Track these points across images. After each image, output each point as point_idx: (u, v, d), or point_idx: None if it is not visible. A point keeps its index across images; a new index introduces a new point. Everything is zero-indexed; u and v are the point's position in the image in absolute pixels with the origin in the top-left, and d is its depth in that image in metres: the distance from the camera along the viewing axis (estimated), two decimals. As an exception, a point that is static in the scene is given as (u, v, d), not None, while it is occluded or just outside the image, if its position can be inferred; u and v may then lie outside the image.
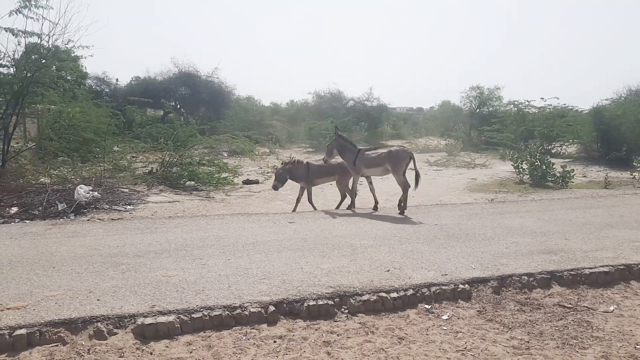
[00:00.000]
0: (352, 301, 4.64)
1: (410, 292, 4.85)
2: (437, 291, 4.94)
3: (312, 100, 37.51)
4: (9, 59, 11.92)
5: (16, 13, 11.25)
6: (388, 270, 5.34)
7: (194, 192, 11.90)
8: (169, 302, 4.38)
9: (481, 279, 5.27)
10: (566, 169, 14.12)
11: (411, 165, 9.02)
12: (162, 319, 4.11)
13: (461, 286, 5.07)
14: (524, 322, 4.52)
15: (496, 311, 4.77)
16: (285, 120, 33.74)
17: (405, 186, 8.96)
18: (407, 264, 5.61)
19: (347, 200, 9.65)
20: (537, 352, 3.96)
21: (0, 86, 11.44)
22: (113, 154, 13.66)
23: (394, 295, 4.77)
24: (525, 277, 5.37)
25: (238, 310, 4.33)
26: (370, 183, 9.60)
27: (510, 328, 4.41)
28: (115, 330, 4.01)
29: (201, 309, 4.28)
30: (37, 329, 3.90)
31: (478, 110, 32.51)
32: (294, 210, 9.25)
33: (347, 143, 9.31)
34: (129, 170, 13.04)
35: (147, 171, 13.08)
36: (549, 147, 23.54)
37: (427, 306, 4.78)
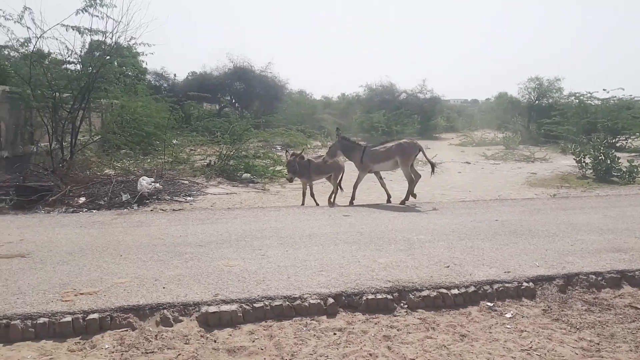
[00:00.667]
0: (411, 296, 4.59)
1: (472, 289, 4.75)
2: (500, 289, 4.81)
3: (364, 93, 37.31)
4: (76, 56, 12.51)
5: (82, 12, 11.77)
6: (448, 266, 5.25)
7: (250, 185, 12.11)
8: (231, 291, 4.48)
9: (546, 277, 5.09)
10: (633, 164, 13.39)
11: (421, 156, 9.25)
12: (225, 307, 4.21)
13: (525, 284, 4.92)
14: (592, 323, 4.34)
15: (562, 311, 4.59)
16: (336, 113, 33.71)
17: (411, 178, 9.13)
18: (468, 260, 5.49)
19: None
20: (609, 354, 3.79)
21: (69, 82, 11.99)
22: (172, 147, 14.09)
23: (455, 291, 4.68)
24: (593, 276, 5.15)
25: (298, 301, 4.38)
26: (380, 178, 9.67)
27: (578, 329, 4.24)
28: (180, 318, 4.15)
29: (262, 299, 4.35)
30: (108, 314, 4.08)
31: (537, 102, 31.29)
32: (302, 204, 9.38)
33: (351, 143, 9.54)
34: (188, 162, 13.43)
35: (205, 164, 13.43)
36: (614, 141, 22.35)
37: (489, 304, 4.66)
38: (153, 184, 9.73)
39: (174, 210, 8.60)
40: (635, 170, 13.23)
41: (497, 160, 19.55)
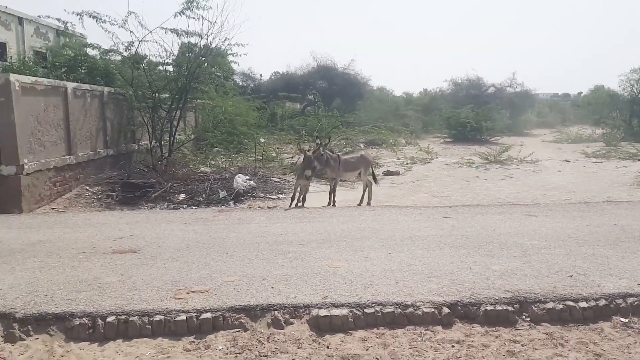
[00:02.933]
0: (534, 308, 4.22)
1: (603, 302, 4.29)
2: (635, 303, 4.32)
3: (448, 88, 36.30)
4: (173, 57, 13.01)
5: (180, 14, 12.18)
6: (571, 276, 4.80)
7: (340, 183, 12.00)
8: (340, 295, 4.34)
9: (689, 291, 4.51)
10: None
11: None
12: (335, 311, 4.08)
13: (664, 299, 4.38)
14: None
15: None
16: (419, 109, 32.96)
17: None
18: (592, 269, 5.00)
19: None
20: None
21: (167, 83, 12.50)
22: (261, 145, 14.32)
23: (583, 304, 4.25)
24: None
25: (410, 309, 4.16)
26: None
27: None
28: (291, 320, 4.07)
29: (373, 304, 4.18)
30: (220, 313, 4.08)
31: (640, 95, 28.76)
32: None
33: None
34: (277, 160, 13.58)
35: (293, 162, 13.50)
36: None
37: (623, 319, 4.19)
38: (248, 181, 9.89)
39: (269, 207, 8.66)
40: None
41: (598, 158, 18.14)
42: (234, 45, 13.06)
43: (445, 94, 36.18)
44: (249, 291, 4.45)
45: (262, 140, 15.45)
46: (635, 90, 29.34)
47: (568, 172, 14.32)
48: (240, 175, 10.10)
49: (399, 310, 4.15)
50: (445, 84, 36.53)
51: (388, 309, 4.15)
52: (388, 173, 14.08)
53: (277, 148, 16.06)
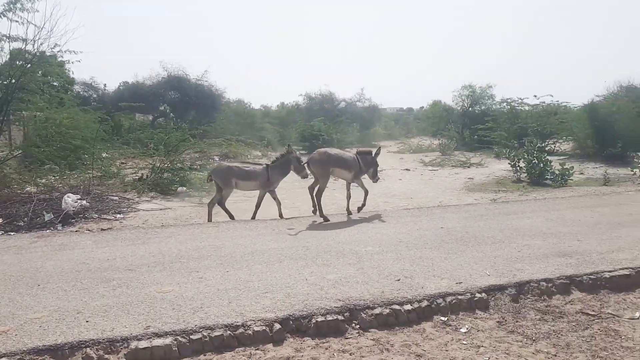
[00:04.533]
0: (363, 315, 4.30)
1: (425, 303, 4.53)
2: (453, 301, 4.63)
3: (303, 102, 37.41)
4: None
5: (0, 17, 10.80)
6: (398, 280, 5.01)
7: (187, 199, 11.50)
8: (164, 322, 4.01)
9: (498, 286, 4.97)
10: (565, 167, 13.86)
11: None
12: (157, 341, 3.74)
13: (478, 295, 4.77)
14: (547, 333, 4.23)
15: (517, 321, 4.46)
16: (276, 122, 33.44)
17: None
18: (418, 272, 5.28)
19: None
20: (568, 367, 3.65)
21: (-16, 93, 10.97)
22: (102, 161, 13.19)
23: (408, 307, 4.45)
24: (544, 283, 5.09)
25: (241, 330, 3.98)
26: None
27: (534, 340, 4.11)
28: (106, 356, 3.64)
29: (200, 329, 3.92)
30: (19, 357, 3.52)
31: (470, 109, 32.25)
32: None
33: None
34: (118, 177, 12.60)
35: (137, 178, 12.64)
36: (543, 145, 23.32)
37: (443, 318, 4.46)
38: (79, 201, 8.95)
39: (101, 229, 7.91)
40: (568, 172, 13.68)
41: (435, 166, 19.86)
42: (65, 52, 11.94)
43: (301, 107, 37.24)
44: (59, 328, 3.91)
45: (104, 155, 14.25)
46: (466, 105, 32.79)
47: (407, 180, 15.41)
48: (70, 194, 9.10)
49: (229, 332, 3.95)
50: (300, 98, 37.66)
51: (217, 333, 3.92)
52: (240, 186, 13.85)
53: (122, 163, 14.94)
